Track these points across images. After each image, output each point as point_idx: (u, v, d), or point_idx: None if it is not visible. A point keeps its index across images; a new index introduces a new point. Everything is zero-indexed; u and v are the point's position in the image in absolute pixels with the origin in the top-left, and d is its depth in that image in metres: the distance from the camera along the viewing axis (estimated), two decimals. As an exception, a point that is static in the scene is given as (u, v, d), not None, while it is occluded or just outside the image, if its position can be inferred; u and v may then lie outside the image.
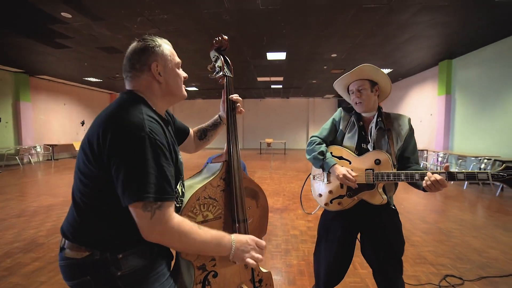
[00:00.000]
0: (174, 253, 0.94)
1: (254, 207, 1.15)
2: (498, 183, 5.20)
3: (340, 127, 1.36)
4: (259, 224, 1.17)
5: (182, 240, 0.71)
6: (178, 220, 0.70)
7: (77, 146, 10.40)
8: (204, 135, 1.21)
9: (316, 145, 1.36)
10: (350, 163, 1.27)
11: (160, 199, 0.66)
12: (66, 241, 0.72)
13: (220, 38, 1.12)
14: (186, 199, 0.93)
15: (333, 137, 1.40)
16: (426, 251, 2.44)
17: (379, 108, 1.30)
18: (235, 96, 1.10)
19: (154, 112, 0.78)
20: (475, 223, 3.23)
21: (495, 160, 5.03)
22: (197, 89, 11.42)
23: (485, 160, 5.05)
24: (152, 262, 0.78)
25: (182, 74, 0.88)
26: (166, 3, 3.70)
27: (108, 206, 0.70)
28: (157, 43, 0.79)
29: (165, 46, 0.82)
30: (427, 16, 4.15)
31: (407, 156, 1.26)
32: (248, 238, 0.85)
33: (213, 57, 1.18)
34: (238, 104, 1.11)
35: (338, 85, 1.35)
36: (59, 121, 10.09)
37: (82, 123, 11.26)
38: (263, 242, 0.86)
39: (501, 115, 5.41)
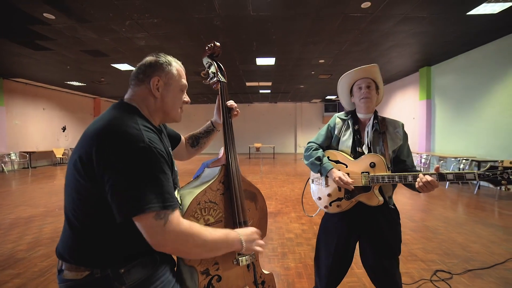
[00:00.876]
0: (175, 259, 0.92)
1: (253, 209, 1.15)
2: (475, 182, 5.52)
3: (335, 133, 1.39)
4: (259, 225, 1.16)
5: (195, 243, 0.70)
6: (187, 224, 0.70)
7: (57, 153, 9.90)
8: (196, 142, 1.20)
9: (313, 150, 1.39)
10: (346, 166, 1.30)
11: (169, 207, 0.66)
12: (64, 263, 0.69)
13: (212, 44, 1.14)
14: (186, 204, 0.92)
15: (329, 143, 1.43)
16: (416, 248, 2.53)
17: (375, 111, 1.34)
18: (230, 103, 1.11)
19: (148, 122, 0.77)
20: (458, 220, 3.40)
21: (472, 160, 5.33)
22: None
23: (464, 161, 5.34)
24: (156, 271, 0.76)
25: (184, 98, 0.88)
26: (156, 7, 3.67)
27: (106, 222, 0.67)
28: (168, 61, 0.81)
29: (175, 66, 0.83)
30: (407, 26, 4.39)
31: (403, 159, 1.31)
32: (251, 228, 0.90)
33: (206, 64, 1.19)
34: (234, 107, 1.12)
35: (345, 80, 1.36)
36: (37, 127, 9.56)
37: (63, 129, 10.76)
38: (259, 230, 0.93)
39: (476, 119, 5.78)
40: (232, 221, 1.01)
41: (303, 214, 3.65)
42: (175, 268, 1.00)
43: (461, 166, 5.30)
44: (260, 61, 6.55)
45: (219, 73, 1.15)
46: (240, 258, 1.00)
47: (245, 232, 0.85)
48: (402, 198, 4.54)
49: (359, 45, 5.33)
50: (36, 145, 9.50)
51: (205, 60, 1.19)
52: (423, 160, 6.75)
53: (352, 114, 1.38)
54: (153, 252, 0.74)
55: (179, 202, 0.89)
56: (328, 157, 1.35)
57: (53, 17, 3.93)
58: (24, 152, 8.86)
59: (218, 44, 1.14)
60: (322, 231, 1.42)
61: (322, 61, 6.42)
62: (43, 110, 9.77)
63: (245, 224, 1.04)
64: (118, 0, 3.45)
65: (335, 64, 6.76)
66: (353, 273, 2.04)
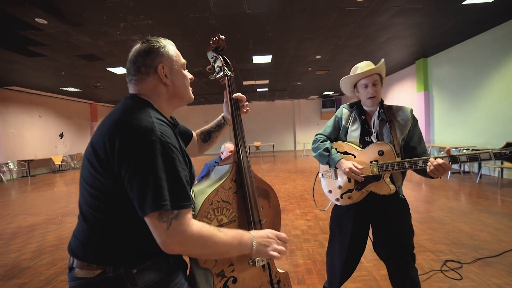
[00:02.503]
0: (188, 261, 0.90)
1: (266, 207, 1.13)
2: (475, 170, 5.55)
3: (343, 123, 1.38)
4: (272, 224, 1.14)
5: (205, 246, 0.67)
6: (197, 226, 0.66)
7: (56, 160, 9.79)
8: (208, 137, 1.18)
9: (320, 142, 1.38)
10: (354, 157, 1.29)
11: (177, 206, 0.62)
12: (76, 260, 0.66)
13: (217, 38, 1.09)
14: (198, 204, 0.88)
15: (337, 134, 1.42)
16: (423, 239, 2.53)
17: (381, 101, 1.33)
18: (239, 95, 1.08)
19: (162, 115, 0.74)
20: (462, 209, 3.41)
21: (472, 150, 5.36)
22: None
23: (464, 150, 5.37)
24: (169, 274, 0.74)
25: (188, 75, 0.85)
26: (150, 8, 3.62)
27: (120, 219, 0.65)
28: (162, 44, 0.76)
29: (170, 47, 0.78)
30: (403, 18, 4.38)
31: (413, 146, 1.28)
32: (268, 231, 0.83)
33: (212, 58, 1.15)
34: (243, 103, 1.09)
35: (348, 81, 1.34)
36: (34, 135, 9.45)
37: (61, 136, 10.65)
38: (283, 234, 0.85)
39: (473, 109, 5.81)
40: (246, 221, 0.99)
41: (308, 210, 3.64)
42: (188, 271, 0.98)
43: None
44: (257, 59, 6.51)
45: (225, 67, 1.10)
46: (256, 259, 0.97)
47: (260, 235, 0.80)
48: (405, 190, 4.53)
49: (356, 40, 5.32)
50: (34, 153, 9.40)
51: (210, 55, 1.14)
52: (423, 152, 6.78)
53: (357, 105, 1.36)
54: (167, 254, 0.71)
55: (193, 200, 0.86)
56: (336, 149, 1.34)
57: (46, 22, 3.86)
58: (22, 160, 8.76)
59: (223, 37, 1.09)
60: (334, 226, 1.41)
61: (319, 57, 6.41)
62: (39, 118, 9.66)
63: (259, 223, 1.01)
64: (112, 2, 3.40)
65: (331, 60, 6.75)
66: (363, 267, 2.03)
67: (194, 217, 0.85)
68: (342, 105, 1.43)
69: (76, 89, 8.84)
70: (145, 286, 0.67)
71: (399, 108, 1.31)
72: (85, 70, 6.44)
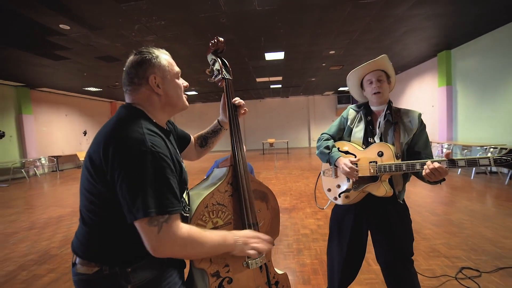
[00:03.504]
0: (188, 261, 0.94)
1: (264, 210, 1.14)
2: (505, 170, 5.16)
3: (348, 123, 1.38)
4: (270, 226, 1.16)
5: (193, 248, 0.71)
6: (186, 229, 0.70)
7: (80, 156, 10.45)
8: (205, 142, 1.19)
9: (324, 140, 1.40)
10: (355, 156, 1.28)
11: (166, 212, 0.65)
12: (77, 257, 0.73)
13: (216, 40, 1.10)
14: (194, 207, 0.92)
15: (341, 134, 1.42)
16: (438, 243, 2.41)
17: (389, 102, 1.30)
18: (236, 100, 1.09)
19: (154, 124, 0.77)
20: (486, 213, 3.19)
21: (501, 149, 4.98)
22: (196, 93, 11.45)
23: (491, 149, 5.00)
24: (162, 273, 0.78)
25: (183, 83, 0.86)
26: (162, 9, 3.71)
27: (115, 222, 0.70)
28: (153, 54, 0.78)
29: (163, 57, 0.80)
30: (422, 9, 4.13)
31: (417, 151, 1.24)
32: (247, 232, 0.88)
33: (211, 61, 1.16)
34: (241, 105, 1.10)
35: (354, 75, 1.33)
36: (61, 132, 10.16)
37: (85, 133, 11.32)
38: (264, 236, 0.90)
39: (503, 104, 5.36)
40: (241, 223, 1.01)
41: (318, 209, 3.60)
42: (188, 269, 1.02)
43: (489, 155, 4.97)
44: (269, 56, 6.46)
45: (223, 69, 1.11)
46: (250, 261, 0.99)
47: (241, 234, 0.85)
48: (421, 190, 4.34)
49: (371, 33, 5.10)
50: (62, 149, 10.11)
51: (209, 57, 1.16)
52: (444, 150, 6.41)
53: (365, 105, 1.36)
54: None
55: (187, 203, 0.89)
56: (338, 148, 1.34)
57: (68, 27, 4.10)
58: (52, 156, 9.47)
59: (221, 39, 1.10)
60: (333, 226, 1.42)
61: (333, 52, 6.22)
62: (66, 116, 10.34)
63: (254, 226, 1.03)
64: (126, 6, 3.53)
65: (346, 55, 6.53)
66: (371, 270, 1.99)
67: (189, 219, 0.89)
68: (350, 106, 1.43)
69: (97, 89, 9.32)
70: (138, 284, 0.72)
71: (408, 111, 1.28)
72: (104, 70, 6.77)
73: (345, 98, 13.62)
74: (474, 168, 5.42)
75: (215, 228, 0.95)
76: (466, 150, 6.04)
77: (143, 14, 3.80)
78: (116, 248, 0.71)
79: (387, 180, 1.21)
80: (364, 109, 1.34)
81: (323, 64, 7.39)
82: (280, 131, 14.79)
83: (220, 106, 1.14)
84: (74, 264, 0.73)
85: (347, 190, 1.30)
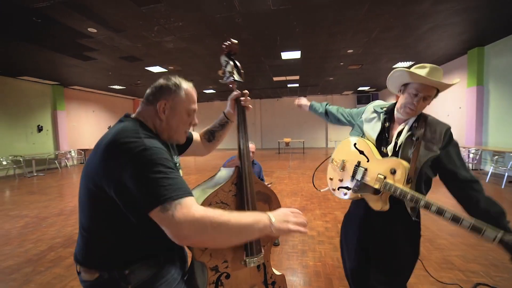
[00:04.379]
0: (190, 255, 0.99)
1: (267, 211, 1.18)
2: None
3: (362, 117, 1.32)
4: (271, 227, 1.19)
5: (216, 229, 0.65)
6: (201, 209, 0.67)
7: (105, 150, 11.15)
8: (212, 136, 1.21)
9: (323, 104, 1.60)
10: (367, 161, 1.17)
11: (178, 196, 0.65)
12: (80, 266, 0.77)
13: (229, 42, 1.11)
14: (198, 203, 0.98)
15: (344, 122, 1.46)
16: (453, 255, 2.29)
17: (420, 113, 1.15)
18: (243, 96, 1.11)
19: (152, 133, 0.80)
20: (512, 225, 2.96)
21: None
22: (214, 91, 11.66)
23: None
24: (161, 271, 0.82)
25: (193, 120, 0.88)
26: (180, 11, 3.84)
27: (111, 228, 0.74)
28: (177, 85, 0.82)
29: (185, 89, 0.83)
30: (448, 3, 3.87)
31: (452, 169, 1.06)
32: (284, 209, 0.81)
33: (224, 62, 1.17)
34: (247, 106, 1.13)
35: (405, 76, 1.08)
36: (89, 127, 10.91)
37: (109, 128, 12.03)
38: (296, 210, 0.82)
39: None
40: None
41: (329, 211, 3.56)
42: (189, 264, 1.09)
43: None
44: (286, 55, 6.42)
45: (235, 72, 1.13)
46: (247, 260, 1.03)
47: (277, 213, 0.77)
48: (441, 197, 4.12)
49: (391, 31, 4.88)
50: (89, 143, 10.85)
51: (223, 59, 1.17)
52: (471, 155, 6.00)
53: (389, 109, 1.22)
54: (156, 254, 0.80)
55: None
56: (355, 144, 1.25)
57: (95, 30, 4.38)
58: (80, 149, 10.25)
59: (235, 41, 1.11)
60: (342, 231, 1.43)
61: (351, 51, 6.05)
62: (93, 112, 11.08)
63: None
64: (146, 9, 3.70)
65: (365, 53, 6.31)
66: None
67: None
68: (374, 102, 1.32)
69: (121, 87, 9.85)
70: (137, 284, 0.76)
71: (434, 124, 1.11)
72: (127, 70, 7.13)
73: (364, 98, 13.16)
74: (505, 176, 5.02)
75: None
76: (497, 156, 5.60)
77: (162, 16, 3.95)
78: (112, 253, 0.75)
79: (388, 197, 1.12)
80: (387, 113, 1.20)
81: (341, 63, 7.20)
82: (297, 130, 14.64)
83: (228, 99, 1.15)
84: (79, 273, 0.78)
85: (347, 188, 1.26)
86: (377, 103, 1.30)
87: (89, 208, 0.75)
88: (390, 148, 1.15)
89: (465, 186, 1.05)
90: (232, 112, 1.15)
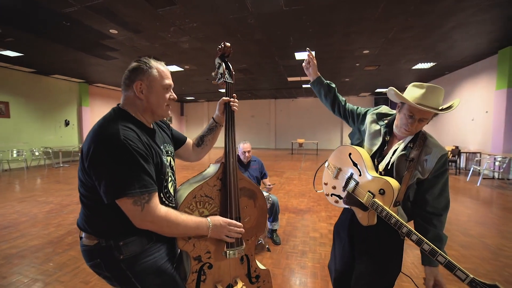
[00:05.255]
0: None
1: (251, 207, 1.21)
2: None
3: (366, 124, 1.24)
4: (256, 223, 1.22)
5: (169, 227, 0.86)
6: (164, 210, 0.85)
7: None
8: (201, 141, 1.27)
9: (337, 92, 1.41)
10: (360, 175, 1.15)
11: (146, 192, 0.79)
12: (83, 232, 0.89)
13: (223, 45, 1.18)
14: (183, 196, 1.03)
15: (349, 118, 1.35)
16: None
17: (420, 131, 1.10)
18: (232, 100, 1.17)
19: (136, 123, 0.89)
20: (536, 241, 2.73)
21: None
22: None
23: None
24: (150, 248, 0.90)
25: (170, 95, 0.95)
26: (194, 12, 3.97)
27: (102, 205, 0.81)
28: (148, 65, 0.88)
29: (158, 68, 0.90)
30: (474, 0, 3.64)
31: (424, 198, 1.05)
32: (222, 220, 0.99)
33: (217, 64, 1.25)
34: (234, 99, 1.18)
35: (395, 96, 1.07)
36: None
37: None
38: (237, 223, 1.03)
39: None
40: (227, 216, 1.10)
41: (334, 214, 3.50)
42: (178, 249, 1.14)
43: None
44: (300, 56, 6.37)
45: (226, 73, 1.20)
46: (228, 251, 1.07)
47: (215, 221, 0.98)
48: (458, 207, 3.89)
49: (410, 31, 4.67)
50: (110, 138, 11.53)
51: (216, 61, 1.24)
52: (497, 164, 5.57)
53: (389, 123, 1.17)
54: (150, 232, 0.87)
55: (172, 195, 1.01)
56: (350, 154, 1.22)
57: (116, 32, 4.65)
58: (102, 144, 10.91)
59: (228, 44, 1.18)
60: (334, 231, 1.42)
61: (367, 51, 5.86)
62: (115, 109, 11.71)
63: (238, 220, 1.11)
64: (162, 11, 3.87)
65: (382, 54, 6.09)
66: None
67: (178, 207, 1.01)
68: (377, 108, 1.25)
69: (141, 85, 10.32)
70: (128, 256, 0.85)
71: (430, 146, 1.04)
72: (147, 69, 7.46)
73: (382, 100, 12.68)
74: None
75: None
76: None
77: (177, 17, 4.11)
78: (108, 225, 0.85)
79: (376, 214, 1.08)
80: (387, 127, 1.16)
81: (357, 64, 7.01)
82: (312, 131, 14.44)
83: (218, 102, 1.22)
84: (81, 238, 0.90)
85: (339, 197, 1.25)
86: (381, 110, 1.24)
87: (82, 184, 0.85)
88: (382, 164, 1.12)
89: (426, 217, 1.06)
90: (221, 115, 1.21)
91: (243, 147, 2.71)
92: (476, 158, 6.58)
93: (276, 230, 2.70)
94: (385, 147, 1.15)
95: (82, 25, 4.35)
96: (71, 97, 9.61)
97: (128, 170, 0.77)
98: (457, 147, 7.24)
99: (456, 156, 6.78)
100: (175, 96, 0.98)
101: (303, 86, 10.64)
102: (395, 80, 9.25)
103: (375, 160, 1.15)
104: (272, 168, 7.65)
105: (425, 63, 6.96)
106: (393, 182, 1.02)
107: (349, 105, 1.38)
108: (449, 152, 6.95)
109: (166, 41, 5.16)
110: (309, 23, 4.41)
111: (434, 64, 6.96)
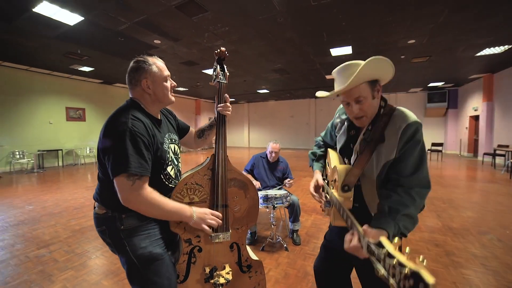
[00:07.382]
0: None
1: (242, 197, 1.25)
2: None
3: (335, 130, 1.19)
4: (247, 213, 1.26)
5: (153, 207, 0.96)
6: (150, 190, 0.95)
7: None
8: (202, 134, 1.41)
9: (314, 146, 1.36)
10: (325, 180, 1.16)
11: (140, 173, 0.91)
12: (96, 203, 1.06)
13: (219, 50, 1.31)
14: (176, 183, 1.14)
15: (333, 143, 1.25)
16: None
17: (380, 108, 0.96)
18: (223, 104, 1.27)
19: (145, 114, 1.03)
20: None
21: None
22: (268, 91, 11.95)
23: None
24: (146, 224, 1.03)
25: (171, 84, 1.10)
26: (225, 16, 4.18)
27: (111, 181, 0.94)
28: (147, 63, 1.02)
29: (156, 63, 1.04)
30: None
31: (393, 177, 0.88)
32: (206, 210, 1.09)
33: (214, 67, 1.36)
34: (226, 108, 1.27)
35: (323, 97, 1.09)
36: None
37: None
38: (218, 213, 1.12)
39: None
40: (214, 203, 1.17)
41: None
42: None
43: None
44: (335, 52, 6.08)
45: (220, 74, 1.31)
46: (213, 235, 1.15)
47: (199, 211, 1.07)
48: (462, 202, 3.15)
49: (466, 11, 3.98)
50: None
51: (214, 64, 1.36)
52: None
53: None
54: None
55: (172, 177, 1.12)
56: (320, 162, 1.26)
57: (159, 42, 5.20)
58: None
59: (223, 49, 1.32)
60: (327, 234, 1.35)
61: (413, 41, 5.22)
62: (164, 112, 12.99)
63: (225, 207, 1.17)
64: (196, 18, 4.18)
65: (431, 43, 5.33)
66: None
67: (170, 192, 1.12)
68: (337, 112, 1.19)
69: (184, 89, 11.22)
70: (128, 227, 1.00)
71: (399, 119, 0.88)
72: (187, 73, 8.11)
73: (438, 96, 11.02)
74: None
75: (191, 203, 1.14)
76: None
77: (210, 23, 4.38)
78: (116, 199, 0.97)
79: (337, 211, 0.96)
80: (349, 119, 1.06)
81: (402, 57, 6.30)
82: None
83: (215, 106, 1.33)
84: (94, 207, 1.07)
85: (326, 204, 1.11)
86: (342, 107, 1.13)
87: (100, 164, 1.01)
88: (353, 159, 1.02)
89: (391, 188, 0.87)
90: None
91: (272, 146, 2.71)
92: None
93: (297, 230, 2.65)
94: (352, 143, 1.05)
95: (133, 39, 5.01)
96: (121, 102, 11.06)
97: (130, 153, 0.90)
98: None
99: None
100: (175, 83, 1.13)
101: (343, 83, 10.05)
102: (453, 71, 8.02)
103: (344, 159, 1.10)
104: (309, 169, 7.46)
105: (495, 47, 5.80)
106: (339, 166, 0.98)
107: (325, 134, 1.32)
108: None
109: (202, 46, 5.54)
110: (341, 16, 4.19)
111: (509, 47, 5.74)
